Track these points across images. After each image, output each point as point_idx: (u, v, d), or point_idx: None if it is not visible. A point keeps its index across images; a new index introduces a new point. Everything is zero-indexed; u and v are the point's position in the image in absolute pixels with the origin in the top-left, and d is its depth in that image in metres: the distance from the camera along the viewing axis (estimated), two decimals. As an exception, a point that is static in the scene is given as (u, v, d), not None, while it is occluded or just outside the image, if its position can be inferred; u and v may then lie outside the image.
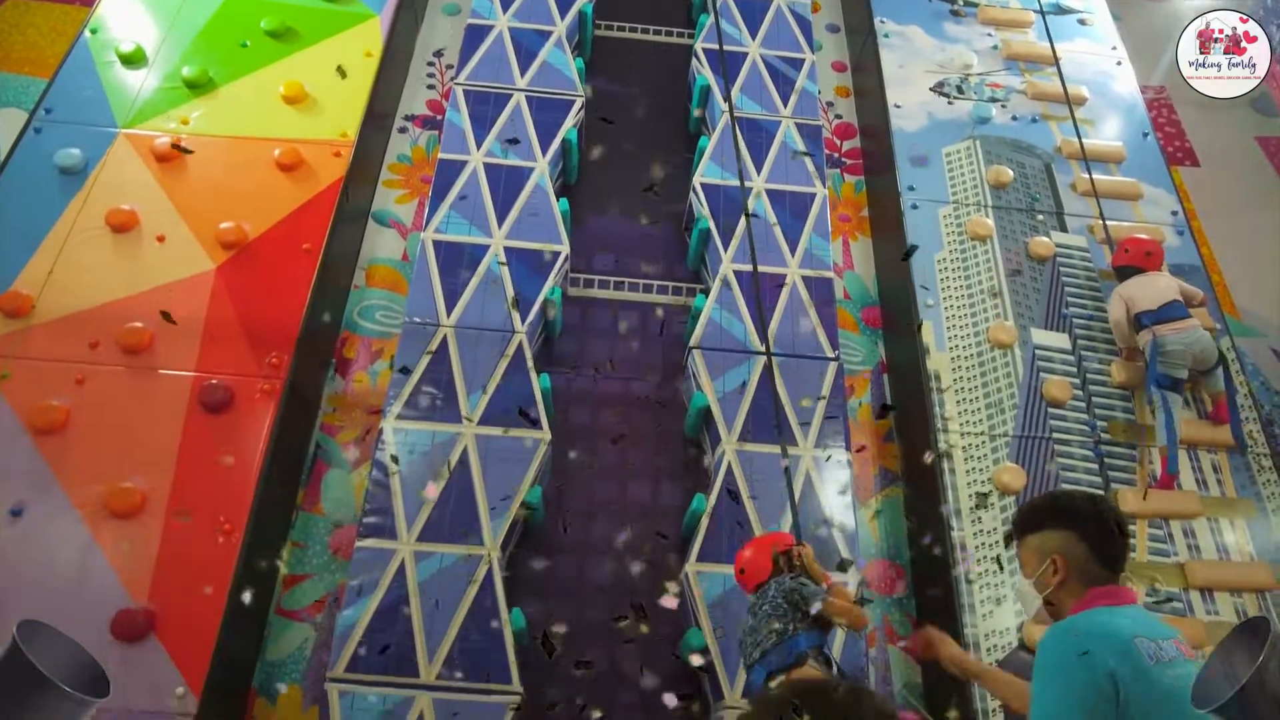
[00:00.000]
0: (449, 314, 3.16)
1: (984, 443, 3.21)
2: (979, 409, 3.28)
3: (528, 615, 2.80)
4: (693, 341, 3.22)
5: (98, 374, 2.97)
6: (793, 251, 3.47)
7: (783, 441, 2.44)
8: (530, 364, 3.06)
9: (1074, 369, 3.43)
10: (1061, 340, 3.50)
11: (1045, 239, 3.73)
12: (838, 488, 2.99)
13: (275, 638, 2.93)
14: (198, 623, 2.60)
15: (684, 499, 3.15)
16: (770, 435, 2.99)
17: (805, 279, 3.41)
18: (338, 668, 2.53)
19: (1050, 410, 3.31)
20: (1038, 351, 3.44)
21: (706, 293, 3.38)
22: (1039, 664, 1.59)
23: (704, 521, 2.85)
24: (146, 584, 2.65)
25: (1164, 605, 2.97)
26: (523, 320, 3.13)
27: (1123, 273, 3.45)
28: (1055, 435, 3.26)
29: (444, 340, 3.09)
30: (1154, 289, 3.36)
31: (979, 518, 3.05)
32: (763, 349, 3.19)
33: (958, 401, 3.28)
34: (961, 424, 3.23)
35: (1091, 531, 1.71)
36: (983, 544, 3.01)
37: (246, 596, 2.69)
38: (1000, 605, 2.89)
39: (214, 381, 2.96)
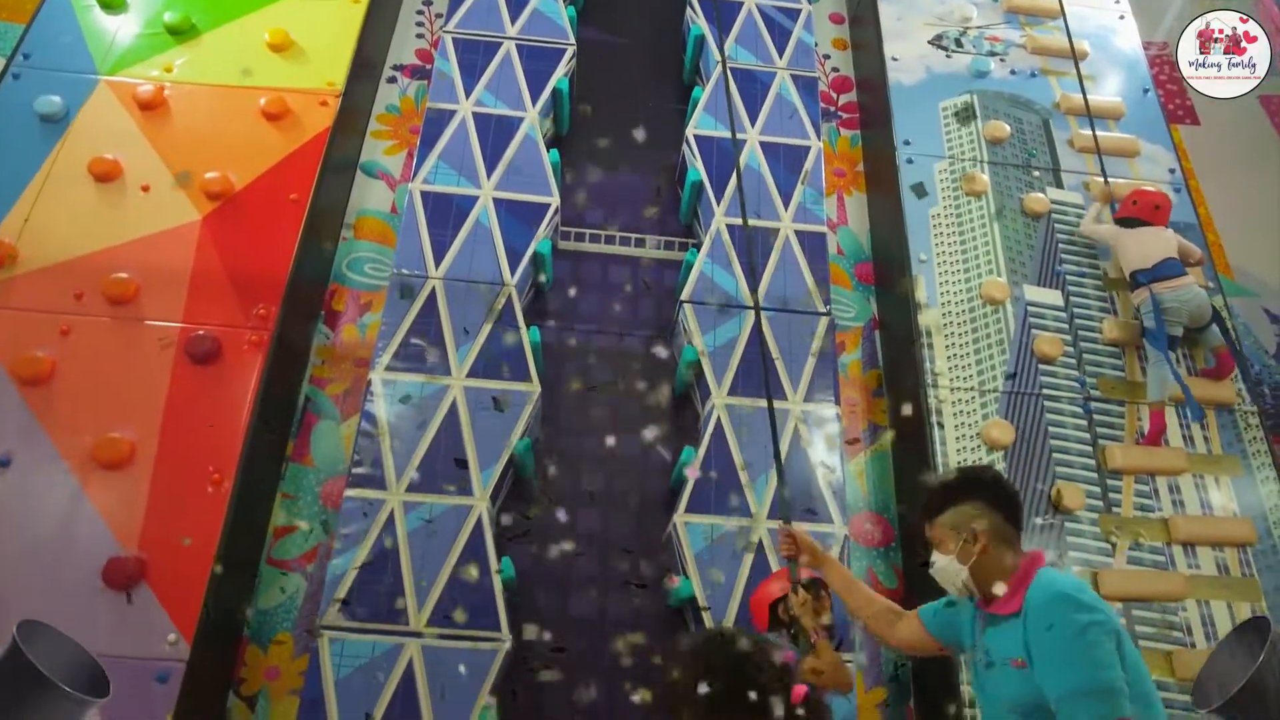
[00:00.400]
0: (437, 266, 3.13)
1: (974, 398, 3.21)
2: (969, 364, 3.28)
3: (516, 560, 2.83)
4: (683, 295, 3.20)
5: (83, 325, 2.94)
6: (786, 205, 3.43)
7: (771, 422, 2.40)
8: (520, 317, 3.04)
9: (1066, 326, 3.43)
10: (1054, 297, 3.49)
11: (1040, 195, 3.70)
12: (826, 442, 2.99)
13: (266, 587, 2.95)
14: (188, 571, 2.61)
15: (673, 453, 3.16)
16: (760, 389, 2.98)
17: (798, 233, 3.39)
18: (327, 615, 2.56)
19: (1041, 366, 3.32)
20: (1030, 308, 3.43)
21: (699, 247, 3.35)
22: (1063, 631, 1.58)
23: (692, 473, 2.86)
24: (137, 533, 2.66)
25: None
26: (512, 272, 3.10)
27: (1127, 224, 3.43)
28: (1045, 391, 3.27)
29: (432, 292, 3.07)
30: (1150, 246, 3.34)
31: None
32: (753, 303, 3.17)
33: (948, 357, 3.28)
34: (951, 379, 3.23)
35: (997, 498, 1.80)
36: (970, 498, 3.03)
37: (236, 546, 2.71)
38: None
39: (201, 333, 2.94)
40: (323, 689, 2.46)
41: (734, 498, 2.86)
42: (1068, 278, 3.53)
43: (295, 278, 3.10)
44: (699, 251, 3.32)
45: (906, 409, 3.08)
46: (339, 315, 3.46)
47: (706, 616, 2.63)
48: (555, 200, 3.29)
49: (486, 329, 3.01)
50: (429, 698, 2.46)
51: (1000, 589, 1.74)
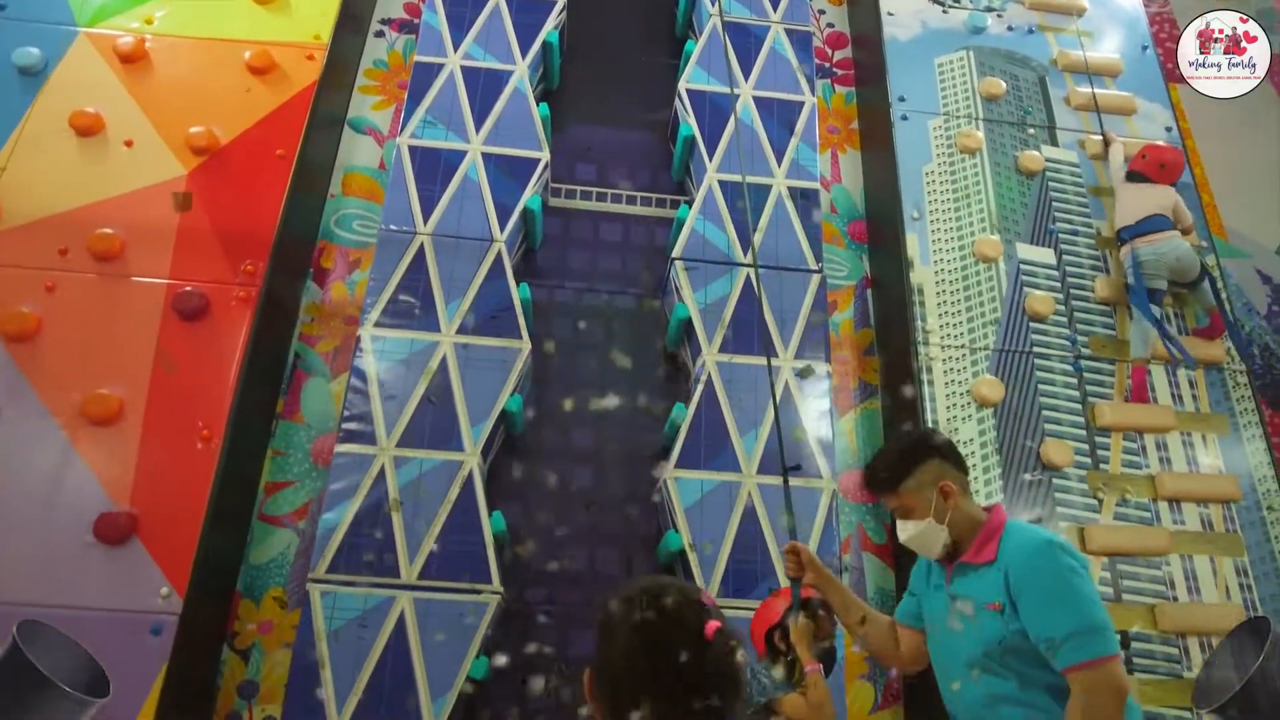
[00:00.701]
0: (425, 222, 3.10)
1: (964, 355, 3.22)
2: (960, 322, 3.28)
3: (507, 516, 2.84)
4: (675, 252, 3.18)
5: (68, 281, 2.92)
6: (779, 161, 3.40)
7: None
8: (510, 274, 3.02)
9: (1058, 284, 3.42)
10: (1047, 255, 3.48)
11: (1035, 153, 3.67)
12: (817, 399, 3.00)
13: (258, 543, 2.96)
14: (180, 527, 2.62)
15: (663, 411, 3.17)
16: (751, 347, 2.99)
17: (791, 190, 3.36)
18: (319, 569, 2.57)
19: (1032, 325, 3.32)
20: (1022, 266, 3.42)
21: (690, 203, 3.32)
22: (1054, 577, 1.63)
23: (683, 430, 2.86)
24: (128, 489, 2.66)
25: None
26: (501, 228, 3.07)
27: (1133, 179, 3.42)
28: (1036, 350, 3.27)
29: (420, 248, 3.05)
30: (1139, 203, 3.35)
31: (956, 429, 3.09)
32: (746, 260, 3.15)
33: (940, 315, 3.27)
34: (942, 337, 3.23)
35: (950, 454, 1.86)
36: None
37: (227, 502, 2.72)
38: (973, 513, 2.96)
39: (188, 289, 2.92)
40: (315, 641, 2.48)
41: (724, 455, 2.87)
42: (1060, 236, 3.52)
43: (283, 234, 3.07)
44: (690, 208, 3.29)
45: (908, 391, 3.07)
46: (328, 273, 3.43)
47: (695, 569, 2.66)
48: (545, 155, 3.25)
49: (476, 285, 2.99)
50: (420, 650, 2.49)
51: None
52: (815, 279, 3.21)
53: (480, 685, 2.65)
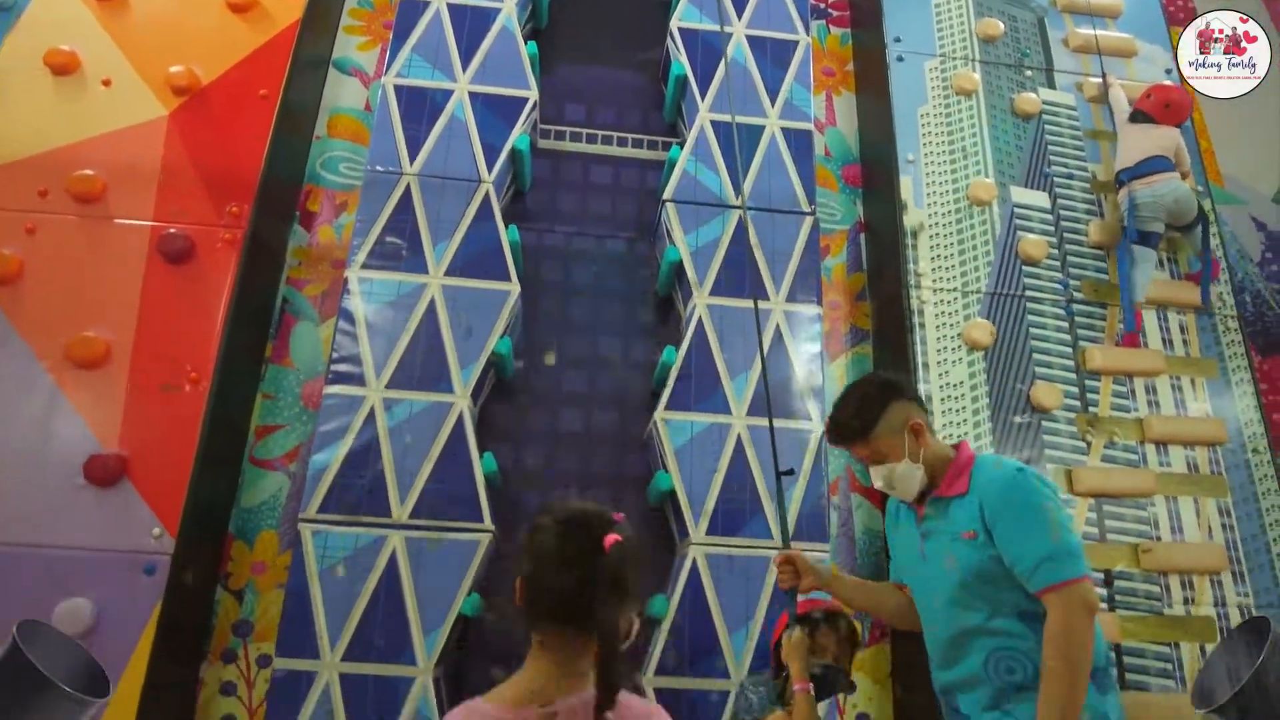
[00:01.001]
0: (412, 162, 3.05)
1: (956, 299, 3.21)
2: (953, 265, 3.26)
3: (498, 458, 2.85)
4: (666, 194, 3.14)
5: (49, 223, 2.88)
6: (772, 102, 3.34)
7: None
8: (498, 215, 2.98)
9: (1051, 228, 3.40)
10: (1041, 199, 3.45)
11: (1032, 95, 3.61)
12: (807, 343, 2.99)
13: (249, 486, 2.97)
14: (170, 469, 2.63)
15: (654, 353, 3.16)
16: (743, 290, 2.97)
17: (784, 130, 3.30)
18: (310, 509, 2.58)
19: (1024, 268, 3.30)
20: (1016, 210, 3.39)
21: (682, 145, 3.27)
22: (1027, 503, 1.67)
23: (674, 372, 2.86)
24: (116, 431, 2.66)
25: None
26: (489, 168, 3.02)
27: (1138, 119, 3.38)
28: (1028, 294, 3.26)
29: (407, 189, 3.00)
30: (1140, 144, 3.31)
31: (946, 371, 3.09)
32: (738, 202, 3.12)
33: (932, 258, 3.26)
34: (934, 280, 3.22)
35: (908, 390, 1.87)
36: (948, 397, 3.06)
37: (217, 444, 2.73)
38: (962, 455, 2.98)
39: (173, 231, 2.88)
40: (306, 580, 2.50)
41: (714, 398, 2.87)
42: (1055, 180, 3.48)
43: (268, 176, 3.02)
44: (682, 149, 3.24)
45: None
46: (314, 216, 3.38)
47: (685, 508, 2.67)
48: (533, 94, 3.19)
49: (464, 227, 2.95)
50: (413, 588, 2.51)
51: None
52: (808, 221, 3.18)
53: (472, 621, 2.68)
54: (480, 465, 2.66)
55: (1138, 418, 3.18)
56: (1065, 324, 3.26)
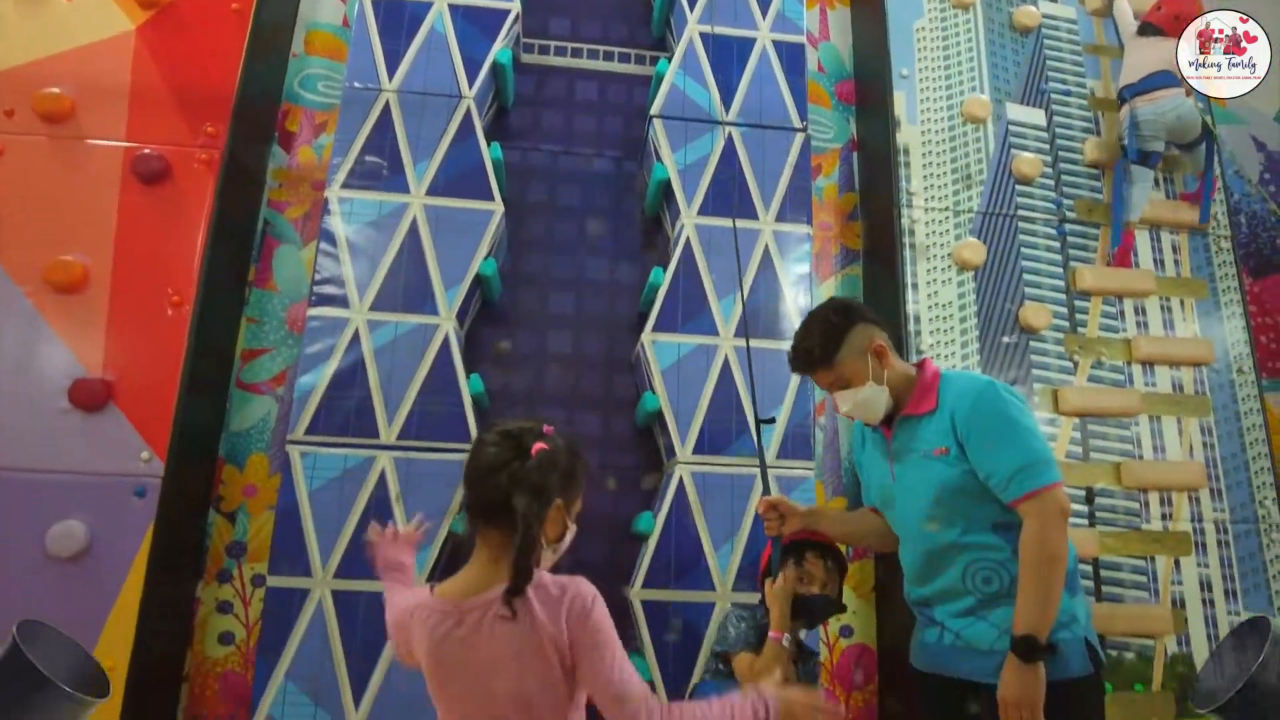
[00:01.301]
0: (391, 78, 2.95)
1: (947, 218, 3.17)
2: (945, 184, 3.21)
3: (486, 381, 2.84)
4: (653, 110, 3.06)
5: (18, 144, 2.79)
6: (764, 13, 3.22)
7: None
8: (479, 132, 2.90)
9: (1046, 146, 3.34)
10: (1037, 116, 3.37)
11: (1031, 8, 3.50)
12: (796, 264, 2.96)
13: (238, 410, 2.98)
14: (156, 393, 2.62)
15: (641, 275, 3.13)
16: (730, 209, 2.91)
17: (775, 43, 3.20)
18: (297, 430, 2.58)
19: (1017, 187, 3.25)
20: (1011, 127, 3.32)
21: (670, 58, 3.17)
22: (999, 416, 1.67)
23: (661, 294, 2.83)
24: (99, 356, 2.65)
25: None
26: (470, 83, 2.93)
27: (1145, 32, 3.28)
28: (1020, 213, 3.22)
29: (386, 105, 2.91)
30: (1145, 59, 3.22)
31: (936, 292, 3.07)
32: (727, 118, 3.04)
33: (924, 177, 3.20)
34: (926, 200, 3.17)
35: (869, 312, 1.85)
36: (936, 316, 3.05)
37: (202, 368, 2.71)
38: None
39: (147, 151, 2.80)
40: (297, 501, 2.52)
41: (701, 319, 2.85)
42: (1052, 96, 3.40)
43: (244, 94, 2.93)
44: (670, 63, 3.13)
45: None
46: (294, 136, 3.29)
47: (672, 428, 2.69)
48: (515, 6, 3.06)
49: (445, 144, 2.88)
50: (402, 507, 2.54)
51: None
52: (799, 138, 3.11)
53: (462, 537, 2.72)
54: (467, 387, 2.65)
55: (1125, 338, 3.18)
56: (1057, 244, 3.23)
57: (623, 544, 2.89)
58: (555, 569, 1.32)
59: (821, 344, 1.81)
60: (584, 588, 1.23)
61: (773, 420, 2.10)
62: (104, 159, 2.81)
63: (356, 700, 2.39)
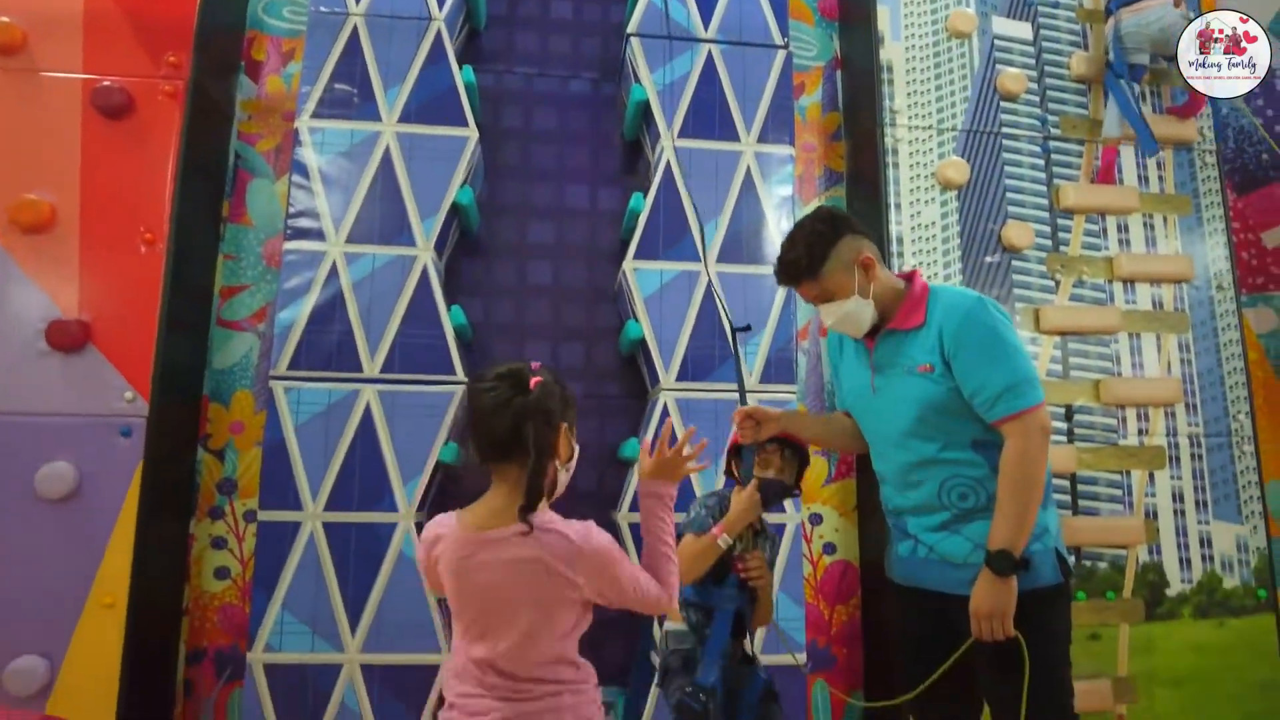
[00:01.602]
0: (358, 0, 2.84)
1: (931, 136, 3.12)
2: (929, 101, 3.15)
3: (468, 313, 2.83)
4: (631, 28, 2.96)
5: (-33, 79, 2.69)
6: (742, -75, 3.10)
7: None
8: (451, 55, 2.81)
9: (1032, 61, 3.27)
10: (1023, 30, 3.29)
11: (1021, -86, 3.37)
12: (779, 186, 2.92)
13: (219, 348, 2.96)
14: (135, 332, 2.59)
15: (622, 201, 3.09)
16: (712, 131, 2.86)
17: (754, -43, 3.09)
18: (279, 366, 2.57)
19: (1002, 104, 3.20)
20: (996, 42, 3.24)
21: (646, -24, 3.05)
22: (989, 334, 1.66)
23: (642, 220, 2.80)
24: (75, 297, 2.61)
25: None
26: (440, 4, 2.82)
27: None
28: (1004, 130, 3.18)
29: (354, 30, 2.81)
30: None
31: (919, 211, 3.05)
32: (707, 35, 2.95)
33: (908, 94, 3.14)
34: (910, 118, 3.12)
35: (857, 225, 1.79)
36: (920, 237, 3.04)
37: (181, 306, 2.69)
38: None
39: (107, 84, 2.71)
40: (283, 436, 2.53)
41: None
42: (1039, 9, 3.31)
43: (206, 22, 2.81)
44: (646, -19, 3.02)
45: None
46: (261, 65, 3.19)
47: (655, 355, 2.69)
48: (483, -80, 2.94)
49: (416, 69, 2.79)
50: (389, 439, 2.55)
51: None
52: (781, 56, 3.02)
53: (451, 469, 2.75)
54: (448, 318, 2.64)
55: (1107, 256, 3.18)
56: (1041, 161, 3.20)
57: (610, 469, 2.93)
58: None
59: (807, 255, 1.75)
60: (596, 539, 1.33)
61: (748, 328, 2.07)
62: (62, 92, 2.72)
63: (353, 627, 2.45)
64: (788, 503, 2.66)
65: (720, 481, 2.57)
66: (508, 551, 1.29)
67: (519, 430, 1.28)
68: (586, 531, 1.33)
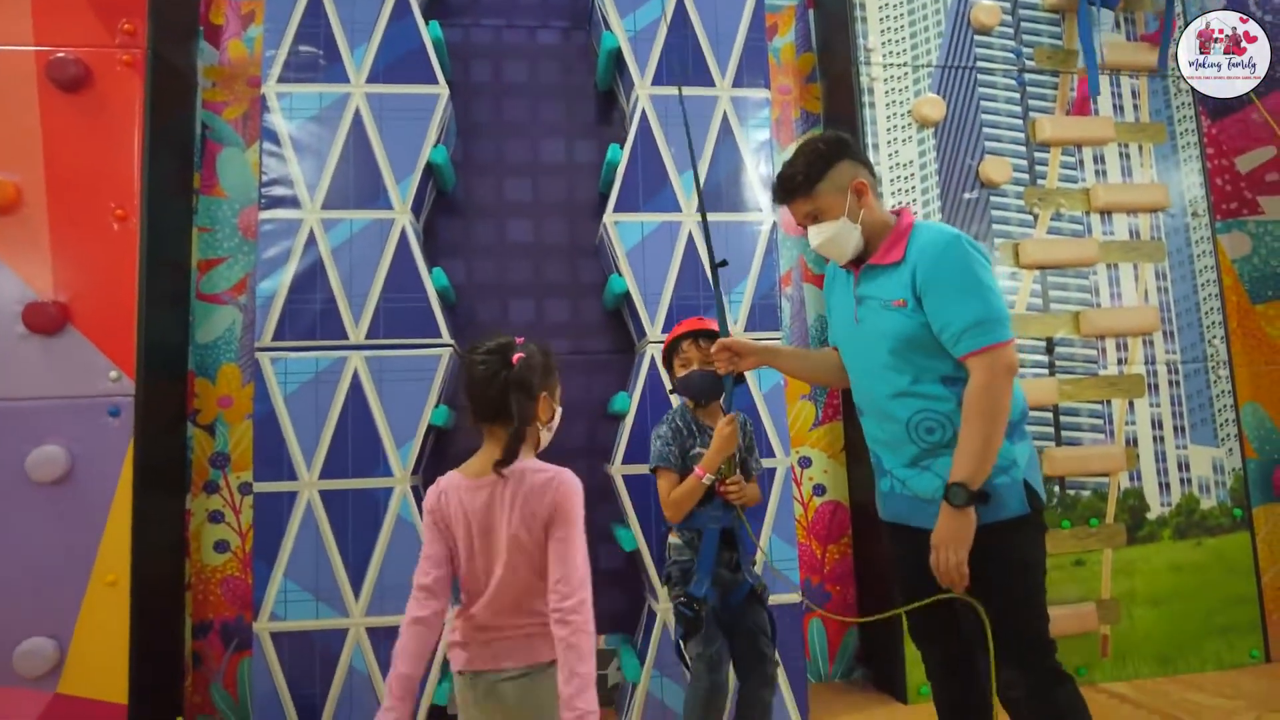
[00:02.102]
0: (317, -43, 2.75)
1: (906, 74, 3.10)
2: (904, 39, 3.12)
3: (450, 275, 2.81)
4: (598, -24, 2.89)
5: (-91, 53, 2.60)
6: None
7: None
8: (417, 11, 2.74)
9: (1006, -8, 3.23)
10: (997, -40, 3.24)
11: None
12: (756, 130, 2.89)
13: (201, 322, 2.94)
14: (115, 310, 2.56)
15: (599, 154, 3.06)
16: (687, 77, 2.82)
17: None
18: (264, 337, 2.56)
19: (976, 38, 3.17)
20: (970, -27, 3.20)
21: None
22: (961, 271, 1.66)
23: (620, 172, 2.77)
24: (49, 278, 2.57)
25: None
26: (403, -43, 2.74)
27: None
28: (979, 64, 3.16)
29: (315, -13, 2.73)
30: None
31: (896, 150, 3.04)
32: (676, -18, 2.89)
33: (882, 32, 3.10)
34: (885, 55, 3.09)
35: (858, 152, 1.81)
36: (898, 176, 3.04)
37: (159, 282, 2.65)
38: (912, 237, 3.00)
39: (61, 55, 2.62)
40: (273, 407, 2.53)
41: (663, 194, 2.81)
42: (1013, -62, 3.27)
43: (156, -16, 2.72)
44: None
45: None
46: (220, 30, 3.10)
47: (640, 309, 2.70)
48: None
49: (381, 26, 2.72)
50: (380, 405, 2.55)
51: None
52: (752, -5, 2.97)
53: (443, 431, 2.77)
54: (430, 280, 2.62)
55: (1084, 188, 3.20)
56: (1017, 94, 3.19)
57: (600, 424, 2.96)
58: (552, 449, 1.60)
59: (805, 170, 1.77)
60: (568, 477, 1.49)
61: (725, 263, 2.09)
62: (13, 66, 2.64)
63: (356, 592, 2.48)
64: (777, 445, 2.69)
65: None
66: (500, 495, 1.49)
67: (505, 399, 1.48)
68: (567, 473, 1.50)
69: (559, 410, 1.60)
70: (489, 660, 1.47)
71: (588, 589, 1.42)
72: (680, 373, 2.20)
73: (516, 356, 1.49)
